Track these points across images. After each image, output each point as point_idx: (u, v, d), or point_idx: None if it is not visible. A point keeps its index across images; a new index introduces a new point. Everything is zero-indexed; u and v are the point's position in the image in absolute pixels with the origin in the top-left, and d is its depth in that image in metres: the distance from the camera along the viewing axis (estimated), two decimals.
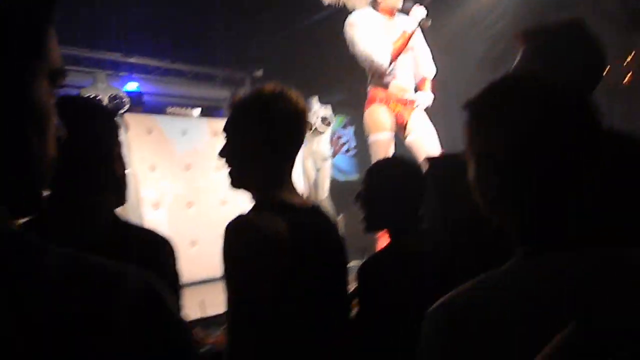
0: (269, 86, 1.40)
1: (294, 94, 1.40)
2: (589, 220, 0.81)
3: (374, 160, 3.75)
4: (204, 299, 3.14)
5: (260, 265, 1.22)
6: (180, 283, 1.25)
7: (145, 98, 5.70)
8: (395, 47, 3.80)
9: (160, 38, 5.65)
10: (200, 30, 5.98)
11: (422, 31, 4.07)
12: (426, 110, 4.12)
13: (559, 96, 0.82)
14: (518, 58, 1.36)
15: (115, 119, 1.32)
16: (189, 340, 0.62)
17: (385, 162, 1.89)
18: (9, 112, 0.53)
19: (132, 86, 5.63)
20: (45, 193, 0.58)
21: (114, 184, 1.25)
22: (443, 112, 4.48)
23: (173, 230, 4.80)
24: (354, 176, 7.55)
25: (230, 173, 1.43)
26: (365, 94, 4.09)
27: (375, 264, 1.59)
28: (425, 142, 3.95)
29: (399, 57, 3.88)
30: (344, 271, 1.47)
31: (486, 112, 0.84)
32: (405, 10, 3.91)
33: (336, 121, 6.70)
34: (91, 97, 4.37)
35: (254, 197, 1.39)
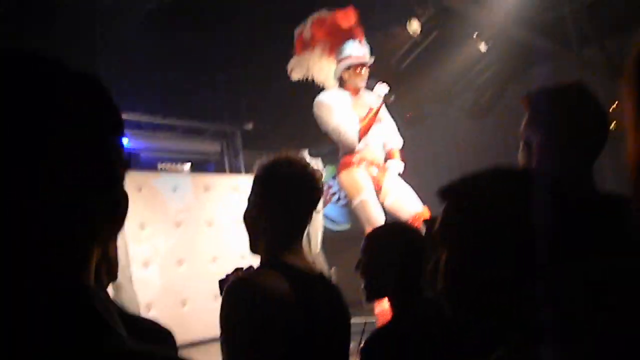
0: (279, 154, 1.44)
1: (300, 161, 1.43)
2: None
3: (366, 223, 3.75)
4: None
5: (261, 325, 1.18)
6: None
7: (136, 154, 5.69)
8: (363, 125, 4.01)
9: (149, 93, 5.69)
10: (189, 85, 6.03)
11: (386, 106, 4.25)
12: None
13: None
14: (525, 121, 1.37)
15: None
16: None
17: (385, 228, 1.87)
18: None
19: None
20: None
21: (107, 263, 1.21)
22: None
23: (163, 289, 4.71)
24: (345, 226, 7.52)
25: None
26: None
27: (379, 341, 1.52)
28: (405, 203, 3.99)
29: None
30: (345, 345, 1.42)
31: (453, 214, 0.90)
32: (369, 87, 4.16)
33: (326, 172, 6.72)
34: None
35: (261, 260, 1.39)
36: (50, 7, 4.21)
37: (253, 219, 1.41)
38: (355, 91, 4.16)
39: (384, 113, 4.28)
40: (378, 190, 4.07)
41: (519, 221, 0.81)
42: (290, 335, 1.21)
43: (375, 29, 4.81)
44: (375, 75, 4.24)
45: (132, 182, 5.09)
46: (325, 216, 6.77)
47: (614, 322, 0.92)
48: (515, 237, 0.81)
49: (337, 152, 5.41)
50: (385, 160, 4.25)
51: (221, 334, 1.21)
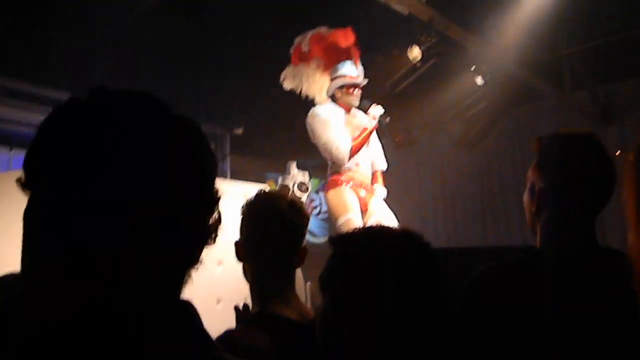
0: (264, 191, 1.41)
1: (281, 197, 1.40)
2: None
3: None
4: None
5: None
6: None
7: None
8: (356, 144, 4.01)
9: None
10: (181, 88, 6.00)
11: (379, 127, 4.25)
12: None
13: None
14: (532, 164, 1.37)
15: None
16: None
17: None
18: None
19: None
20: None
21: None
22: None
23: None
24: (323, 239, 7.52)
25: None
26: None
27: None
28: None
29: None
30: None
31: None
32: (362, 109, 4.18)
33: (311, 185, 6.72)
34: None
35: (252, 311, 1.37)
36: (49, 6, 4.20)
37: (243, 266, 1.39)
38: (348, 109, 4.19)
39: (373, 136, 4.30)
40: (364, 212, 4.08)
41: (389, 284, 0.89)
42: None
43: (377, 52, 4.85)
44: (368, 96, 4.27)
45: None
46: None
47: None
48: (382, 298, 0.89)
49: (325, 167, 5.43)
50: (371, 182, 4.27)
51: None
